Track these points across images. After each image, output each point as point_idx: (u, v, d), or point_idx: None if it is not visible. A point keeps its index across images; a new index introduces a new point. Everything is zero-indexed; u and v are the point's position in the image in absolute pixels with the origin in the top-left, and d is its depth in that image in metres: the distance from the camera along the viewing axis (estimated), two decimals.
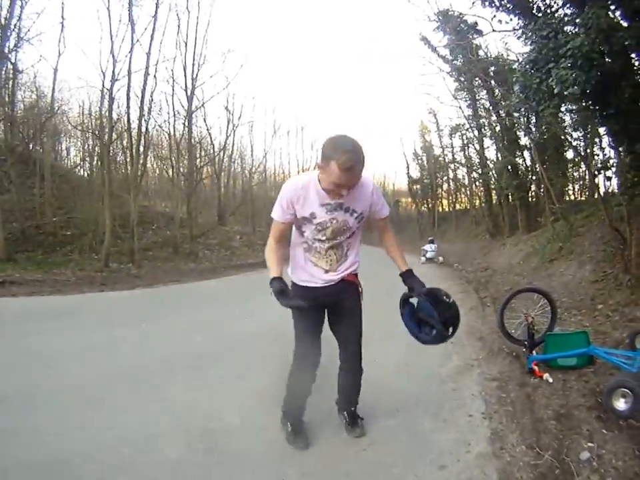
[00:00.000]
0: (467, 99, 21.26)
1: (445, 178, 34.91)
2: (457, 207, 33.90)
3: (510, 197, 19.06)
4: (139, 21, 23.94)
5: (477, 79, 18.50)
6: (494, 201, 22.82)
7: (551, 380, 4.16)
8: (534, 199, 18.30)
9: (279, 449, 3.13)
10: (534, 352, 4.60)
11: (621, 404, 3.39)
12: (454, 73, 19.65)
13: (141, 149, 19.08)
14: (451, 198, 35.11)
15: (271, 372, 4.23)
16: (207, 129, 27.53)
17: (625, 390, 3.35)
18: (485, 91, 19.26)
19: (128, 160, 19.83)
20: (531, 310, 4.97)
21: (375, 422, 3.48)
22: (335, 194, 2.69)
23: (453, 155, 30.46)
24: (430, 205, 38.04)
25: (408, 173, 40.35)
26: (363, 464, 2.98)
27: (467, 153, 26.42)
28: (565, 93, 5.94)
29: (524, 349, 4.77)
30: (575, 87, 5.75)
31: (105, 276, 13.65)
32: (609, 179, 10.57)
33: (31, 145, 20.34)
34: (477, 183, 25.97)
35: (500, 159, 19.69)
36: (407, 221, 41.57)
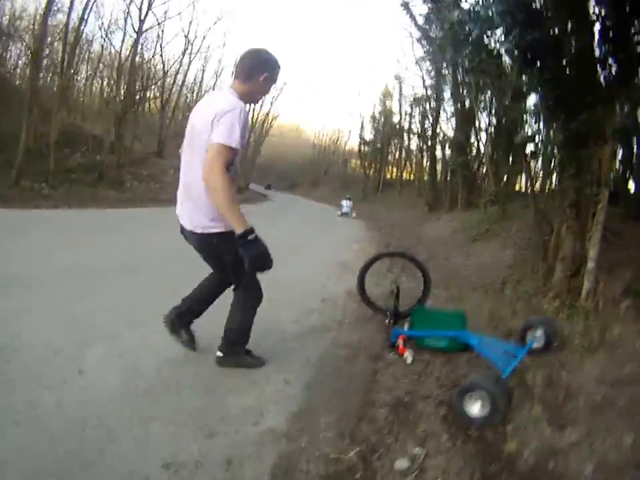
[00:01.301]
0: (432, 69, 20.46)
1: (398, 146, 34.35)
2: (404, 176, 33.44)
3: (454, 174, 18.66)
4: None
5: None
6: (439, 176, 22.63)
7: (410, 360, 3.64)
8: (477, 181, 17.91)
9: None
10: (405, 326, 4.08)
11: (475, 409, 2.74)
12: (424, 42, 18.71)
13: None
14: (399, 166, 34.45)
15: None
16: (160, 54, 25.94)
17: (485, 394, 2.69)
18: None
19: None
20: (402, 278, 4.70)
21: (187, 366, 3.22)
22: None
23: (409, 125, 29.84)
24: (377, 170, 37.39)
25: (361, 133, 39.93)
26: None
27: (422, 123, 25.76)
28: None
29: (386, 320, 4.28)
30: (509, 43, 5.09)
31: (12, 194, 12.85)
32: (533, 154, 10.07)
33: None
34: (426, 155, 25.49)
35: (452, 134, 19.24)
36: (352, 182, 40.87)
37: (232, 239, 2.69)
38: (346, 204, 23.00)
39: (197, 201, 2.83)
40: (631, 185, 9.51)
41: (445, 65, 17.36)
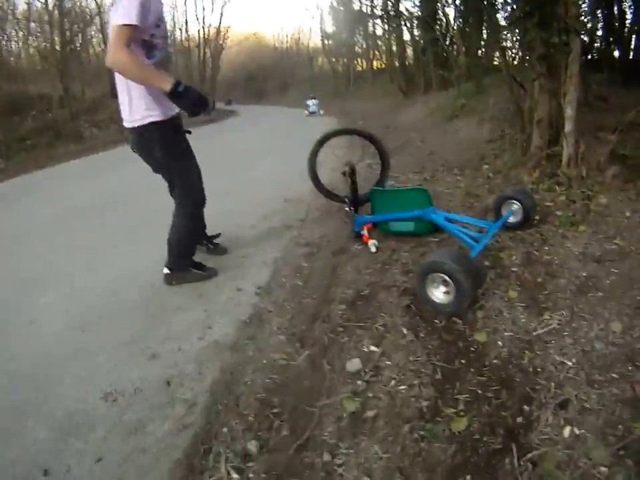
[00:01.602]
0: None
1: (363, 34, 32.64)
2: (374, 65, 31.88)
3: (424, 53, 17.53)
4: None
5: None
6: (410, 59, 21.50)
7: (373, 249, 3.44)
8: (450, 58, 16.93)
9: None
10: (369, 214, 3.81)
11: (439, 294, 2.45)
12: None
13: None
14: (368, 55, 32.78)
15: None
16: None
17: (443, 276, 2.37)
18: None
19: None
20: (358, 160, 4.26)
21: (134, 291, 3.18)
22: None
23: (372, 9, 28.11)
24: (345, 63, 35.67)
25: (322, 27, 38.14)
26: None
27: (385, 5, 24.06)
28: None
29: (346, 208, 4.01)
30: None
31: None
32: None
33: None
34: (393, 38, 24.13)
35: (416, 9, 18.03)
36: (322, 81, 39.15)
37: (162, 130, 2.78)
38: (312, 103, 23.11)
39: (128, 93, 2.78)
40: (616, 53, 8.97)
41: None
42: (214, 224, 3.45)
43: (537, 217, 3.51)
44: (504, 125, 6.92)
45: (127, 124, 2.86)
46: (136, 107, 2.77)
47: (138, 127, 2.80)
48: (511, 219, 3.38)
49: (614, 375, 1.89)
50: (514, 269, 2.85)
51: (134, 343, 2.51)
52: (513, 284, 2.68)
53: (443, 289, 2.42)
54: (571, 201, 3.74)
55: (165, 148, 2.84)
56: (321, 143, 4.33)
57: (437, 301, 2.44)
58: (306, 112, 22.82)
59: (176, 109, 2.86)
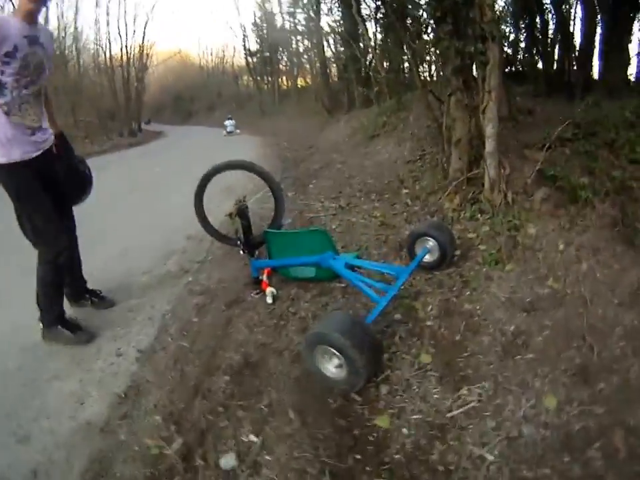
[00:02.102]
0: None
1: (286, 52, 32.54)
2: (299, 83, 31.80)
3: (346, 69, 17.37)
4: None
5: None
6: (332, 76, 21.40)
7: (270, 300, 3.09)
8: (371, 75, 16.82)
9: None
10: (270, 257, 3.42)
11: (331, 367, 2.01)
12: None
13: None
14: (292, 73, 32.69)
15: None
16: None
17: (336, 351, 1.95)
18: None
19: None
20: (248, 197, 3.95)
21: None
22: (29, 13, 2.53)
23: (295, 26, 27.96)
24: (270, 81, 35.52)
25: (245, 45, 38.00)
26: None
27: (307, 21, 23.96)
28: None
29: (240, 251, 3.65)
30: None
31: None
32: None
33: None
34: (315, 55, 24.06)
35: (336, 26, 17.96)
36: (247, 99, 39.32)
37: (10, 174, 2.66)
38: (229, 123, 24.88)
39: None
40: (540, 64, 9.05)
41: None
42: (104, 269, 3.23)
43: (456, 253, 3.08)
44: (425, 144, 6.52)
45: None
46: None
47: None
48: (427, 258, 2.96)
49: (546, 471, 1.57)
50: (429, 323, 2.44)
51: (6, 419, 2.27)
52: (426, 344, 2.27)
53: (335, 361, 1.98)
54: (495, 233, 3.27)
55: (16, 195, 2.73)
56: (207, 179, 3.97)
57: (330, 375, 2.01)
58: (224, 132, 24.35)
59: (32, 153, 2.70)
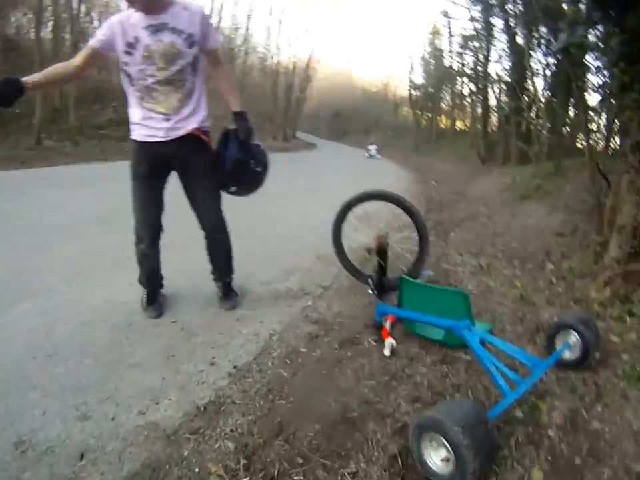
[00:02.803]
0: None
1: (450, 91, 32.27)
2: (457, 125, 31.72)
3: (507, 122, 16.98)
4: None
5: None
6: (492, 125, 21.06)
7: (387, 352, 2.82)
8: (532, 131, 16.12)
9: None
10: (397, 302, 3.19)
11: (436, 458, 1.81)
12: None
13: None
14: (452, 114, 32.49)
15: None
16: None
17: (446, 441, 1.73)
18: None
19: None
20: (392, 234, 3.85)
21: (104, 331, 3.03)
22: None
23: (462, 67, 27.69)
24: (429, 117, 35.58)
25: (411, 77, 38.37)
26: None
27: (475, 64, 23.36)
28: None
29: (369, 290, 3.46)
30: None
31: (33, 154, 13.04)
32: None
33: None
34: (478, 100, 23.56)
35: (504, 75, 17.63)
36: (404, 130, 39.50)
37: (132, 150, 3.00)
38: (372, 147, 28.22)
39: None
40: None
41: None
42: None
43: (598, 356, 2.69)
44: (578, 219, 6.18)
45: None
46: None
47: None
48: (566, 354, 2.66)
49: None
50: (550, 433, 2.12)
51: (72, 392, 2.31)
52: (542, 459, 1.96)
53: (442, 453, 1.79)
54: None
55: (130, 166, 2.98)
56: (349, 207, 3.85)
57: (432, 466, 1.81)
58: (366, 154, 27.74)
59: (148, 137, 2.85)
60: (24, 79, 2.49)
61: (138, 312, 3.25)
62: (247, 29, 33.20)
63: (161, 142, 2.82)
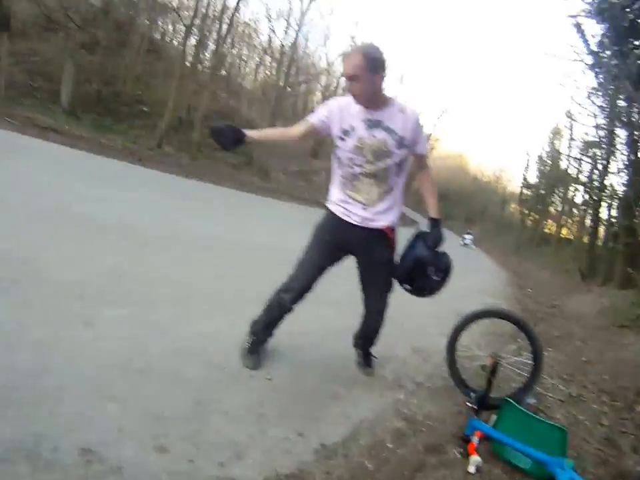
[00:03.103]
0: (604, 103, 17.06)
1: (562, 196, 31.52)
2: (563, 232, 30.78)
3: (616, 239, 16.31)
4: None
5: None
6: (599, 240, 20.27)
7: (472, 469, 2.69)
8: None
9: None
10: (489, 421, 3.20)
11: None
12: (598, 71, 15.42)
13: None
14: (559, 220, 31.56)
15: None
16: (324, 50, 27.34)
17: None
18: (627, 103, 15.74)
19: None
20: (505, 353, 3.75)
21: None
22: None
23: (578, 173, 27.19)
24: (536, 219, 34.81)
25: (525, 174, 38.02)
26: None
27: (591, 173, 22.83)
28: None
29: (468, 403, 3.31)
30: None
31: (150, 155, 14.33)
32: None
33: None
34: (589, 212, 22.90)
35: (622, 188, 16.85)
36: (507, 227, 39.16)
37: (323, 216, 3.26)
38: (468, 237, 29.94)
39: None
40: None
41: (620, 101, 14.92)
42: (329, 346, 3.59)
43: None
44: None
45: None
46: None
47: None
48: None
49: None
50: None
51: (155, 420, 2.36)
52: None
53: None
54: None
55: (314, 227, 3.21)
56: (464, 325, 3.86)
57: None
58: (461, 242, 28.94)
59: (345, 217, 3.05)
60: (247, 132, 2.88)
61: (234, 356, 3.31)
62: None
63: (354, 225, 3.01)
